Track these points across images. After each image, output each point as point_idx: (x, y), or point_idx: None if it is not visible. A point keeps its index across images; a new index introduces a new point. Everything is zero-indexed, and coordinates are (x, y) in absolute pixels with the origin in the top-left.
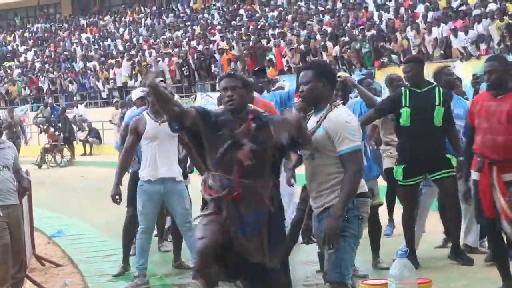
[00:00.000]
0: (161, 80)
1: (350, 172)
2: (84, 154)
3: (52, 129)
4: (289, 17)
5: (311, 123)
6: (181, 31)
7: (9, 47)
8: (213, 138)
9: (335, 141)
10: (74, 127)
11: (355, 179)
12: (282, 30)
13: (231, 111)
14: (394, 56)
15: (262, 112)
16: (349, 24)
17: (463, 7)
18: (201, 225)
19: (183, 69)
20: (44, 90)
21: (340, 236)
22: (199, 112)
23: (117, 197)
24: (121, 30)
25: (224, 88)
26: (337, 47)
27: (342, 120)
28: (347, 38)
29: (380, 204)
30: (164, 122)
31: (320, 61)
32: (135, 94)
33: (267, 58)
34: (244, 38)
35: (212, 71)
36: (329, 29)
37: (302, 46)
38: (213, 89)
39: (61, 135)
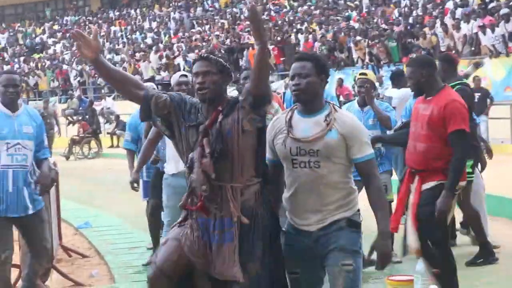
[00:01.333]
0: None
1: (376, 182)
2: (112, 146)
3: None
4: (317, 12)
5: (304, 125)
6: (209, 25)
7: (38, 39)
8: (185, 131)
9: (352, 147)
10: (101, 119)
11: (382, 188)
12: (310, 25)
13: (202, 101)
14: (423, 53)
15: (237, 99)
16: (377, 20)
17: (493, 3)
18: (161, 243)
19: None
20: (72, 83)
21: (354, 252)
22: (172, 98)
23: (135, 184)
24: (149, 23)
25: (195, 73)
26: (365, 43)
27: (358, 124)
28: (375, 34)
29: (391, 201)
30: None
31: (318, 54)
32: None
33: (295, 53)
34: (272, 32)
35: (240, 65)
36: (356, 25)
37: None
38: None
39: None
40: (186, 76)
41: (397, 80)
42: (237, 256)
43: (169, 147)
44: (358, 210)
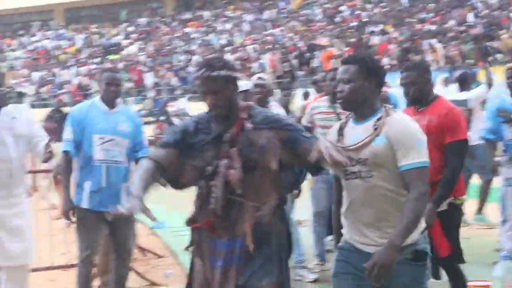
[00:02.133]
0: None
1: (415, 193)
2: None
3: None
4: (392, 14)
5: (355, 132)
6: (282, 27)
7: (114, 41)
8: (199, 152)
9: (398, 152)
10: (175, 120)
11: (422, 202)
12: (384, 27)
13: (218, 117)
14: (499, 55)
15: (257, 109)
16: (452, 22)
17: None
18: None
19: (283, 64)
20: (147, 84)
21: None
22: (170, 144)
23: None
24: (223, 25)
25: (204, 93)
26: (440, 45)
27: (410, 127)
28: (451, 36)
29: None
30: None
31: (367, 54)
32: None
33: None
34: (345, 34)
35: (313, 66)
36: (432, 27)
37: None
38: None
39: None
40: (262, 79)
41: (464, 83)
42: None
43: None
44: (424, 231)
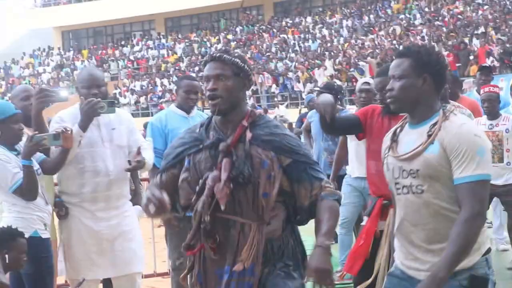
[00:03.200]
0: None
1: (466, 213)
2: None
3: None
4: (493, 16)
5: (408, 138)
6: (382, 31)
7: (213, 49)
8: (193, 162)
9: (454, 162)
10: None
11: (473, 225)
12: (486, 30)
13: (214, 113)
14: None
15: (265, 118)
16: None
17: None
18: None
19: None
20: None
21: None
22: (169, 167)
23: None
24: (322, 31)
25: (206, 77)
26: None
27: (469, 132)
28: None
29: None
30: None
31: (423, 47)
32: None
33: (470, 58)
34: (446, 37)
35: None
36: None
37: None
38: None
39: None
40: (368, 83)
41: None
42: None
43: (351, 149)
44: (487, 252)
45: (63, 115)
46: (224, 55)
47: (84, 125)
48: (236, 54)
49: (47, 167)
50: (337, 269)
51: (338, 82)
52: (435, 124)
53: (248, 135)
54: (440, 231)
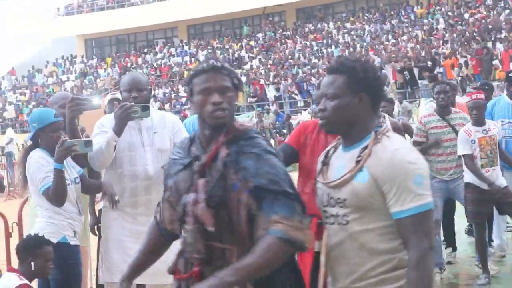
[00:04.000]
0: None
1: (416, 253)
2: None
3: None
4: None
5: (339, 163)
6: (405, 36)
7: (236, 55)
8: (174, 183)
9: (389, 195)
10: None
11: (428, 263)
12: (509, 34)
13: (216, 128)
14: None
15: (250, 137)
16: None
17: None
18: None
19: (404, 73)
20: (269, 97)
21: None
22: (167, 197)
23: None
24: (345, 36)
25: (206, 89)
26: None
27: (402, 159)
28: None
29: None
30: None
31: (359, 61)
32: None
33: (493, 63)
34: (469, 42)
35: (436, 75)
36: None
37: None
38: None
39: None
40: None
41: None
42: None
43: None
44: None
45: (104, 121)
46: (225, 66)
47: (118, 130)
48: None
49: (84, 185)
50: None
51: None
52: (365, 148)
53: (223, 152)
54: (364, 268)
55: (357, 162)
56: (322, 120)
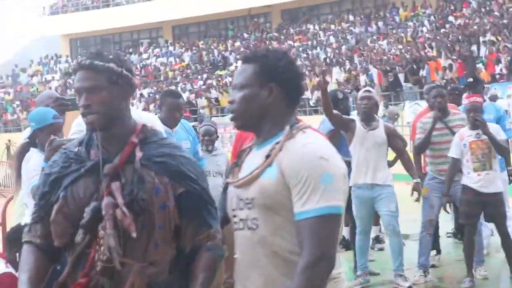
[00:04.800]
0: None
1: (306, 258)
2: None
3: None
4: (501, 23)
5: (251, 161)
6: (390, 39)
7: (221, 56)
8: (67, 192)
9: (293, 192)
10: None
11: (317, 273)
12: (493, 37)
13: (93, 130)
14: None
15: (157, 134)
16: None
17: None
18: None
19: (388, 75)
20: None
21: None
22: (44, 203)
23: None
24: (330, 38)
25: (77, 90)
26: None
27: (314, 153)
28: None
29: None
30: (371, 130)
31: (274, 50)
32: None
33: (477, 66)
34: (454, 45)
35: (420, 78)
36: None
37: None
38: (422, 97)
39: None
40: (369, 91)
41: None
42: None
43: (354, 158)
44: None
45: (81, 120)
46: (95, 62)
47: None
48: (111, 57)
49: None
50: (356, 273)
51: (345, 90)
52: (277, 143)
53: (138, 154)
54: (279, 278)
55: (267, 157)
56: (231, 113)
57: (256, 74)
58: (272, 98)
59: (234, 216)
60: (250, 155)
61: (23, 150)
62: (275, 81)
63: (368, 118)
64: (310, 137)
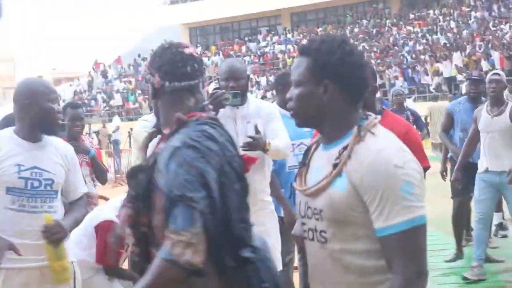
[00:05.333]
0: None
1: (400, 278)
2: None
3: None
4: None
5: (319, 163)
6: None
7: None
8: None
9: (371, 207)
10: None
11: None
12: None
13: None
14: None
15: (191, 129)
16: None
17: None
18: None
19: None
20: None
21: None
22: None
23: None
24: (450, 23)
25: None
26: None
27: (387, 162)
28: None
29: None
30: (496, 116)
31: (330, 41)
32: None
33: None
34: None
35: None
36: None
37: None
38: None
39: None
40: (498, 74)
41: None
42: None
43: (483, 143)
44: None
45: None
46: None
47: None
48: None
49: None
50: (472, 264)
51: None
52: (346, 148)
53: (162, 145)
54: None
55: (335, 166)
56: (291, 111)
57: (309, 70)
58: (328, 96)
59: (303, 223)
60: (317, 154)
61: (149, 140)
62: (329, 77)
63: (496, 102)
64: (381, 141)
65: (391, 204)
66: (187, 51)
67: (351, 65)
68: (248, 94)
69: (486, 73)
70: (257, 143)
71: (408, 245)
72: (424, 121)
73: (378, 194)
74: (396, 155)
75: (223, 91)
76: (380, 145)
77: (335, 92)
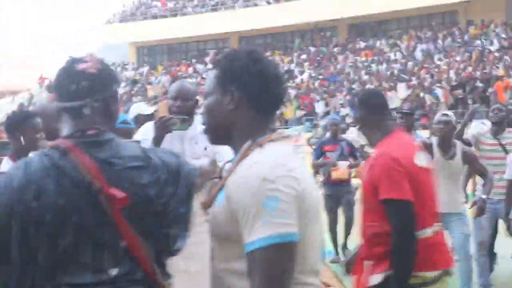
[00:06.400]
0: None
1: None
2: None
3: None
4: None
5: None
6: (458, 57)
7: (286, 68)
8: None
9: (241, 222)
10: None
11: None
12: None
13: None
14: None
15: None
16: None
17: None
18: None
19: (455, 92)
20: (318, 112)
21: None
22: None
23: None
24: (396, 54)
25: None
26: None
27: (256, 175)
28: None
29: None
30: (450, 159)
31: (240, 50)
32: None
33: None
34: None
35: (488, 96)
36: None
37: None
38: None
39: None
40: (447, 115)
41: None
42: None
43: None
44: None
45: (146, 130)
46: None
47: (156, 141)
48: None
49: None
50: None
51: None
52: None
53: None
54: None
55: (221, 178)
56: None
57: (216, 78)
58: (234, 105)
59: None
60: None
61: None
62: (233, 84)
63: (445, 144)
64: (261, 155)
65: (253, 219)
66: (80, 66)
67: (257, 74)
68: (195, 115)
69: (430, 106)
70: (210, 174)
71: (266, 265)
72: (363, 151)
73: (245, 209)
74: (269, 169)
75: (171, 116)
76: (257, 158)
77: (241, 101)
